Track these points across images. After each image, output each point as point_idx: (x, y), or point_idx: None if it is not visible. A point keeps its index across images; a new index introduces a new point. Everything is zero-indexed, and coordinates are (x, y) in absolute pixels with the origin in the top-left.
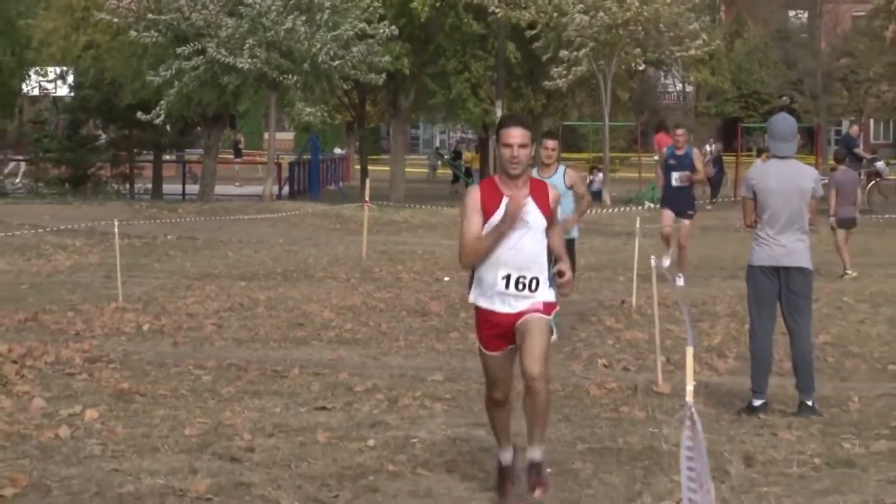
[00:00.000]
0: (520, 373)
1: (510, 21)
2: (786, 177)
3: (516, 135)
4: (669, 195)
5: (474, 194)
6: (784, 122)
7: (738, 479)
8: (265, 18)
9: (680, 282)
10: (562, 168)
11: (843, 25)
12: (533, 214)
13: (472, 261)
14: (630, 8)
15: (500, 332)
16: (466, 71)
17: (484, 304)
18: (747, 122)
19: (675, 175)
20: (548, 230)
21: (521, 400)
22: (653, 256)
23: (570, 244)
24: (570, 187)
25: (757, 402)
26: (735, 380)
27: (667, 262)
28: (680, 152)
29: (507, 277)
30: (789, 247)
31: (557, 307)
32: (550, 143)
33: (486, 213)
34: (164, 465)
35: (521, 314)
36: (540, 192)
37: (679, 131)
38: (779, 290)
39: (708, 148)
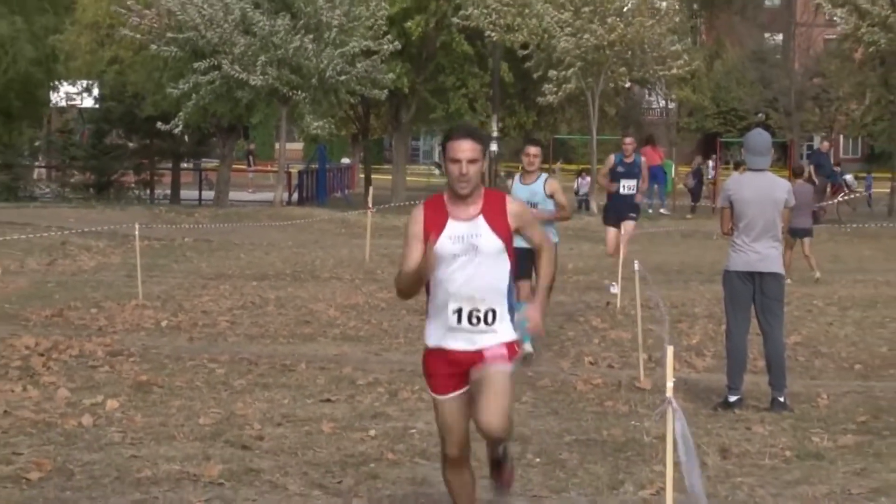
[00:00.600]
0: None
1: (504, 43)
2: (761, 188)
3: (465, 148)
4: (615, 202)
5: (417, 217)
6: (759, 138)
7: (715, 470)
8: (275, 37)
9: (614, 289)
10: (543, 176)
11: (816, 47)
12: (485, 237)
13: (405, 296)
14: (615, 29)
15: (453, 372)
16: (464, 87)
17: (435, 342)
18: (726, 137)
19: (623, 183)
20: (508, 248)
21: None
22: (636, 262)
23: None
24: (550, 196)
25: (732, 398)
26: (712, 377)
27: (615, 288)
28: (629, 160)
29: (459, 312)
30: (763, 253)
31: (519, 352)
32: (532, 150)
33: (428, 238)
34: (180, 451)
35: (480, 354)
36: (495, 209)
37: (627, 140)
38: (753, 294)
39: (710, 163)
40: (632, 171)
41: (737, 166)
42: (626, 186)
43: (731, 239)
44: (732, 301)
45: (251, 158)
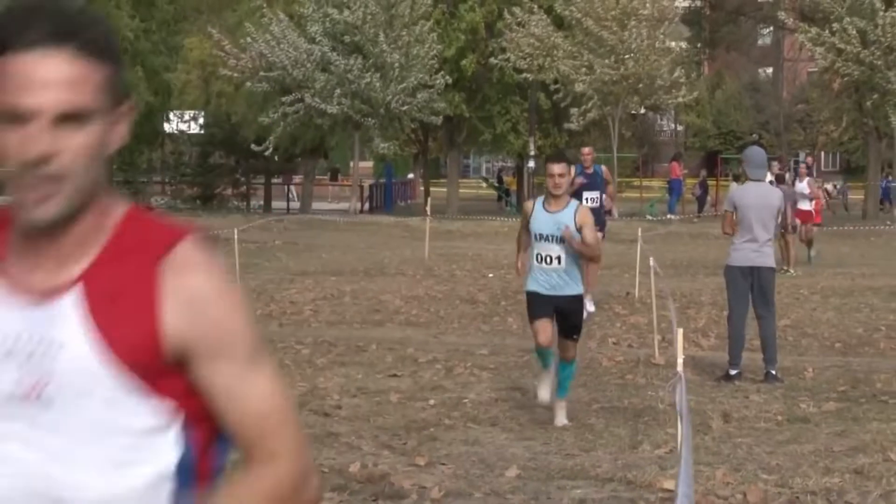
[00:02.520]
0: None
1: (538, 79)
2: (759, 196)
3: (48, 79)
4: None
5: None
6: (758, 153)
7: (718, 432)
8: (349, 74)
9: (590, 307)
10: (574, 203)
11: (801, 79)
12: (69, 354)
13: None
14: (625, 66)
15: None
16: (508, 113)
17: None
18: (725, 154)
19: (585, 195)
20: (151, 386)
21: None
22: (651, 258)
23: (577, 301)
24: (580, 228)
25: (733, 372)
26: (716, 354)
27: (591, 306)
28: (589, 171)
29: None
30: (760, 251)
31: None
32: (557, 168)
33: None
34: None
35: None
36: (128, 266)
37: (585, 150)
38: (751, 284)
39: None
40: (594, 183)
41: (736, 178)
42: (589, 199)
43: (733, 238)
44: (734, 291)
45: (337, 175)
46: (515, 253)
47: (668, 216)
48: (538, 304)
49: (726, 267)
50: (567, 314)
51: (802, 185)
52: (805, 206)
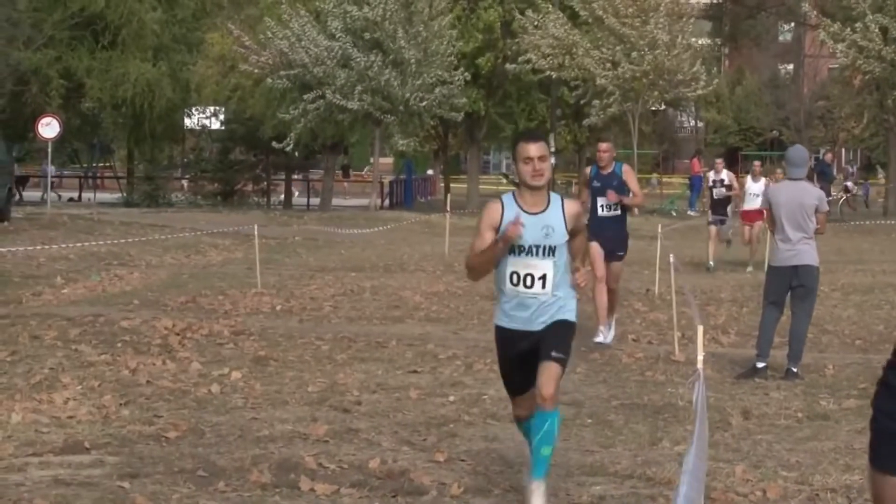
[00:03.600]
0: None
1: (560, 76)
2: (792, 194)
3: None
4: (597, 228)
5: None
6: (798, 152)
7: (738, 429)
8: (370, 71)
9: (608, 337)
10: (558, 200)
11: (821, 75)
12: None
13: None
14: (643, 61)
15: None
16: (533, 110)
17: None
18: (745, 150)
19: (601, 201)
20: None
21: None
22: (671, 255)
23: (565, 327)
24: (572, 233)
25: (760, 365)
26: (735, 351)
27: (610, 335)
28: (606, 172)
29: None
30: (796, 249)
31: None
32: (534, 149)
33: None
34: (292, 414)
35: None
36: None
37: (602, 146)
38: (790, 283)
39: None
40: (611, 186)
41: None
42: (605, 206)
43: (774, 236)
44: (768, 289)
45: (348, 171)
46: (476, 253)
47: (689, 212)
48: (510, 353)
49: (767, 266)
50: (551, 334)
51: (757, 185)
52: (754, 204)
